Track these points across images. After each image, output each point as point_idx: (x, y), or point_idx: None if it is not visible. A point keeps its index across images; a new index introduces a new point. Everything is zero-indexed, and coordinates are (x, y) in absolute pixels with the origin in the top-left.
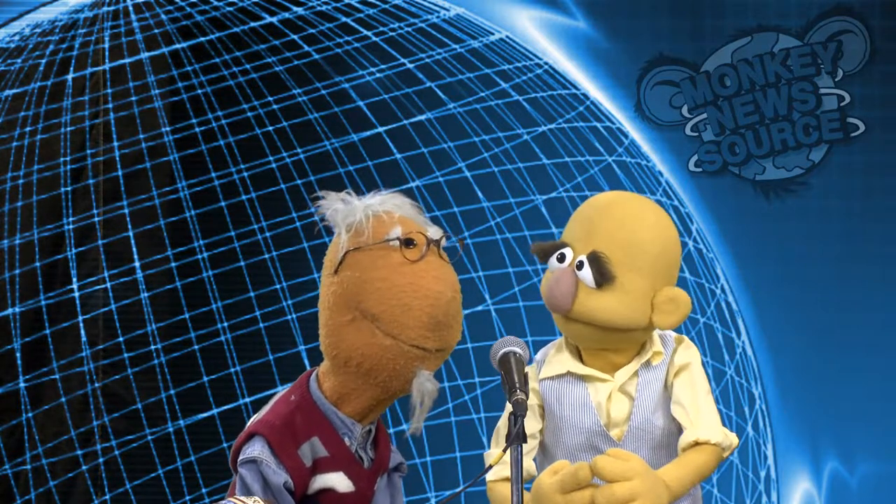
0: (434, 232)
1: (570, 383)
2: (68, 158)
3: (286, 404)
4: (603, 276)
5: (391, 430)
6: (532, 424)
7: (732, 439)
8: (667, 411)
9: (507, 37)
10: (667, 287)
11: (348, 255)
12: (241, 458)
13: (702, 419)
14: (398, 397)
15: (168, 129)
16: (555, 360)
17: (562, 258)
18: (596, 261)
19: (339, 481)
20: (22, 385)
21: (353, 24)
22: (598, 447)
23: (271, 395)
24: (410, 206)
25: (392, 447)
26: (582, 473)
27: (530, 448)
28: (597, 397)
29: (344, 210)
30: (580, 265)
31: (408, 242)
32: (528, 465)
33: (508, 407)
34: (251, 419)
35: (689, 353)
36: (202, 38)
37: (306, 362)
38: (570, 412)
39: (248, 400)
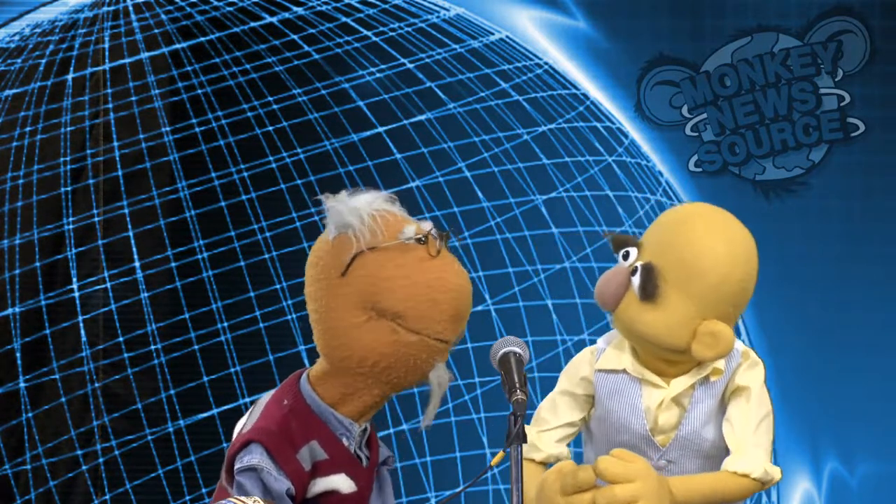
0: (428, 226)
1: (625, 382)
2: (68, 158)
3: (279, 409)
4: (645, 292)
5: (391, 430)
6: (572, 412)
7: (774, 475)
8: (718, 425)
9: (507, 37)
10: (715, 320)
11: (359, 256)
12: (238, 466)
13: (748, 449)
14: (401, 391)
15: (168, 129)
16: (614, 353)
17: (626, 256)
18: (646, 274)
19: (341, 483)
20: (22, 385)
21: (353, 24)
22: (642, 449)
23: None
24: (399, 204)
25: (380, 441)
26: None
27: (565, 434)
28: (647, 401)
29: (346, 212)
30: (635, 271)
31: (420, 240)
32: (560, 450)
33: (557, 388)
34: (240, 426)
35: (752, 375)
36: (202, 38)
37: (306, 362)
38: (618, 410)
39: (247, 400)
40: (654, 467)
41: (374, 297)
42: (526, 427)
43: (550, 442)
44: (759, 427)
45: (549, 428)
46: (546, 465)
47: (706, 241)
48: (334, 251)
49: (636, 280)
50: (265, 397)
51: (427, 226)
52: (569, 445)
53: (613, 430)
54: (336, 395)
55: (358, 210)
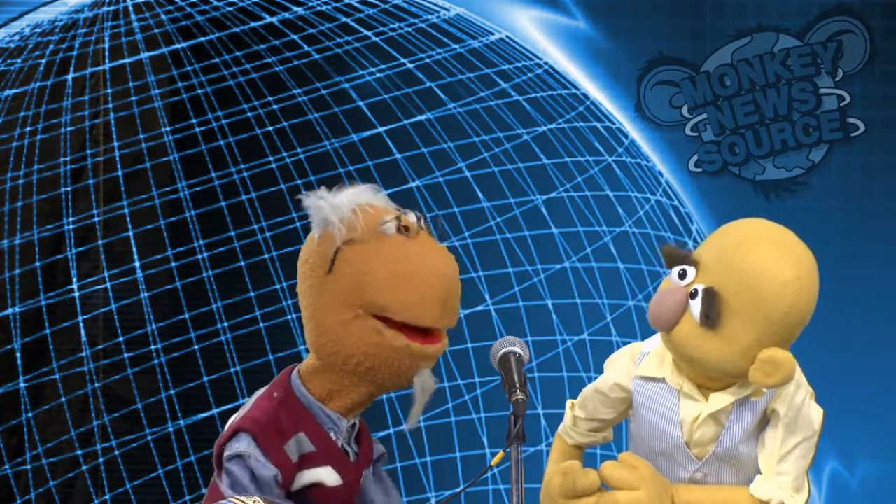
0: (413, 216)
1: (663, 391)
2: (68, 158)
3: (269, 401)
4: (708, 320)
5: (391, 430)
6: (604, 411)
7: (797, 502)
8: (756, 440)
9: (507, 37)
10: (775, 347)
11: (340, 252)
12: (226, 453)
13: (774, 475)
14: (387, 393)
15: (168, 129)
16: (656, 360)
17: (683, 275)
18: (708, 301)
19: (327, 475)
20: (22, 385)
21: (353, 24)
22: (678, 459)
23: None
24: (384, 196)
25: (373, 438)
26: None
27: (597, 427)
28: (684, 414)
29: (327, 208)
30: (694, 294)
31: (402, 230)
32: (592, 439)
33: (596, 382)
34: (232, 418)
35: (792, 398)
36: (202, 38)
37: None
38: (655, 419)
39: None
40: (691, 479)
41: (359, 292)
42: (568, 402)
43: (583, 430)
44: (792, 454)
45: (583, 417)
46: (579, 448)
47: (773, 270)
48: (320, 249)
49: (696, 305)
50: (257, 393)
51: (411, 216)
52: (614, 428)
53: (650, 438)
54: (324, 391)
55: (339, 206)
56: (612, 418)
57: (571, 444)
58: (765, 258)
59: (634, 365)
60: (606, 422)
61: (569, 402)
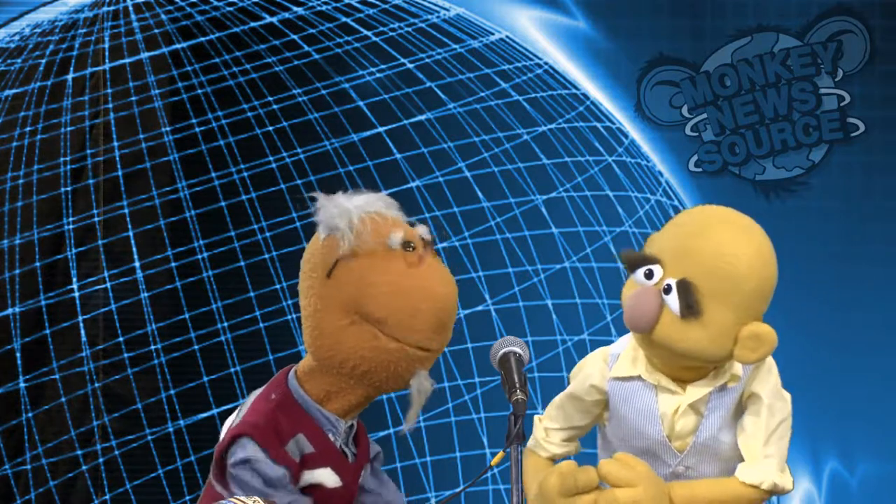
0: (423, 231)
1: (640, 388)
2: (68, 158)
3: (266, 403)
4: (690, 310)
5: (391, 430)
6: (580, 417)
7: (785, 485)
8: (734, 427)
9: (507, 37)
10: (753, 322)
11: (342, 259)
12: (232, 460)
13: (760, 459)
14: (385, 394)
15: (168, 129)
16: (628, 360)
17: (649, 275)
18: (685, 291)
19: (327, 477)
20: (22, 385)
21: (353, 24)
22: (659, 455)
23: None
24: (396, 207)
25: (369, 438)
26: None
27: (571, 436)
28: (664, 408)
29: (336, 213)
30: (668, 289)
31: (407, 246)
32: (566, 449)
33: (567, 390)
34: (228, 422)
35: (766, 381)
36: (202, 38)
37: None
38: (634, 416)
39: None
40: (673, 473)
41: (358, 302)
42: (535, 417)
43: (557, 441)
44: (773, 436)
45: (556, 427)
46: (552, 460)
47: (735, 248)
48: (323, 251)
49: (673, 299)
50: (255, 394)
51: (421, 230)
52: (580, 440)
53: (630, 436)
54: (321, 392)
55: (349, 212)
56: (585, 424)
57: (546, 456)
58: (725, 238)
59: (607, 367)
60: (580, 429)
61: (536, 418)
